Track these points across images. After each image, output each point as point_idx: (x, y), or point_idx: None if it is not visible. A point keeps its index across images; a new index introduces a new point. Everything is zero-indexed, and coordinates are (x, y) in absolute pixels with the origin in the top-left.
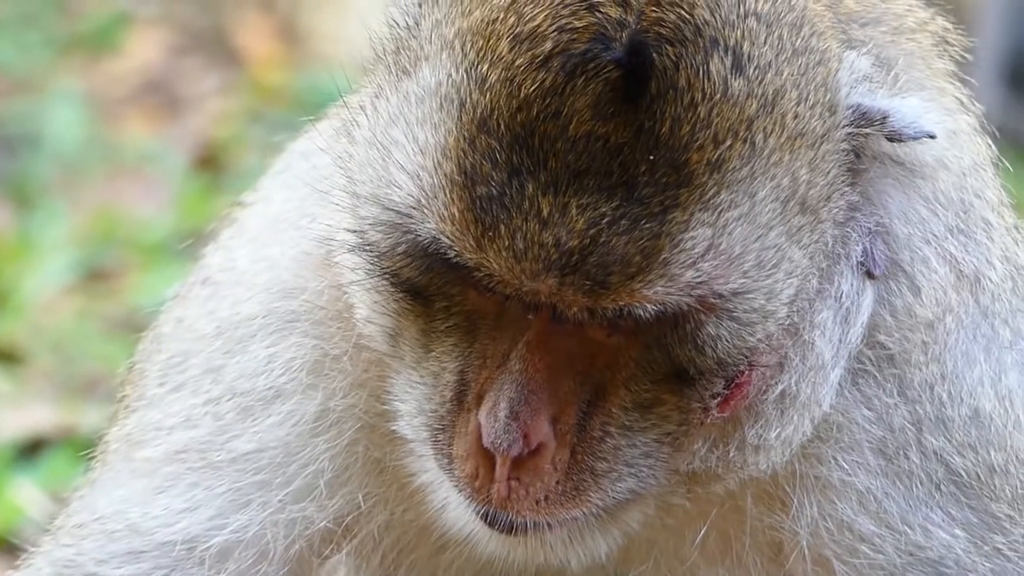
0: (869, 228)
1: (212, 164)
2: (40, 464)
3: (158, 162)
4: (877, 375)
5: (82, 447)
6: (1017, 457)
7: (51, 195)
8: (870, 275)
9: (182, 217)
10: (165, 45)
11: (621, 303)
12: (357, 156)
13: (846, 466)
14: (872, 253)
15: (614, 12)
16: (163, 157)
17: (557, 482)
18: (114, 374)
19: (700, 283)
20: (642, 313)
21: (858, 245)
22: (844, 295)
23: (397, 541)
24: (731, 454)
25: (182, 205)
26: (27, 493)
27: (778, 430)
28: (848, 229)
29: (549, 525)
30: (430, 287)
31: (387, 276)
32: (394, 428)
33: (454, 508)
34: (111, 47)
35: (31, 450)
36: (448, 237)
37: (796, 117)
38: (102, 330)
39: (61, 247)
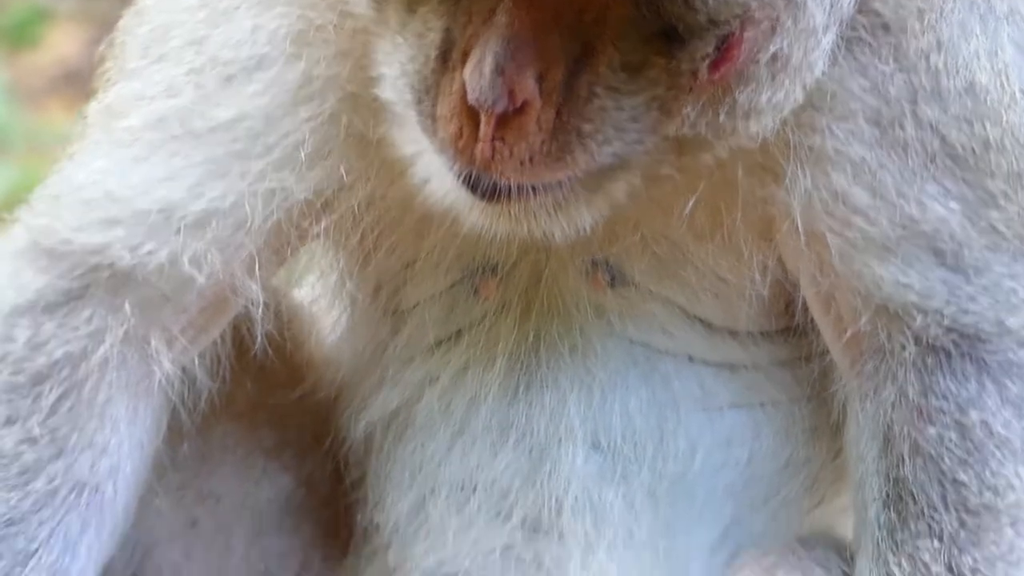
0: None
1: None
2: None
3: None
4: (872, 43)
5: None
6: (1013, 134)
7: None
8: None
9: None
10: (84, 39)
11: None
12: None
13: (840, 135)
14: None
15: None
16: None
17: (542, 143)
18: None
19: None
20: None
21: None
22: None
23: (378, 220)
24: (721, 119)
25: None
26: None
27: (769, 94)
28: None
29: (533, 189)
30: None
31: None
32: (377, 94)
33: (437, 176)
34: (30, 41)
35: None
36: None
37: None
38: None
39: None
